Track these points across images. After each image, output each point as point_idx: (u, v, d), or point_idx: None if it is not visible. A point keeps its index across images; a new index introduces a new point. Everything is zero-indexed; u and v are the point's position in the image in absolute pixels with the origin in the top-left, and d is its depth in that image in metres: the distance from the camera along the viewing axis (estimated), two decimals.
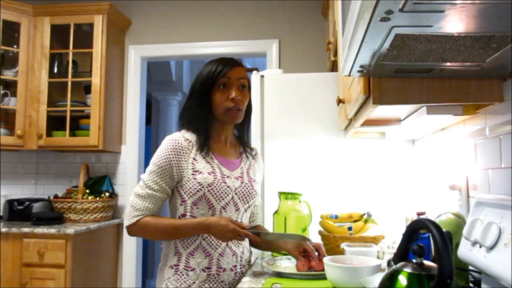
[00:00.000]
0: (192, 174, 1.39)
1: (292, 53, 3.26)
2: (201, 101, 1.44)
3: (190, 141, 1.43)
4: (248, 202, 1.48)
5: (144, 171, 1.46)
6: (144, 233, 1.44)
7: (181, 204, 1.42)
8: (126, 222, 1.42)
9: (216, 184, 1.39)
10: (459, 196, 1.40)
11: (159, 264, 1.50)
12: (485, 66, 0.96)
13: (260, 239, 1.38)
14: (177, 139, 1.42)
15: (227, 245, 1.43)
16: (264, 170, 1.69)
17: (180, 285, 1.38)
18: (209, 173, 1.40)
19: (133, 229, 1.41)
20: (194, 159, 1.41)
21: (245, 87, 1.46)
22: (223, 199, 1.41)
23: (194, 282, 1.38)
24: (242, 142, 1.58)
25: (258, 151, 1.65)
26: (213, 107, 1.44)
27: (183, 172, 1.39)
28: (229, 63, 1.45)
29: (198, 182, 1.38)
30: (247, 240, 1.54)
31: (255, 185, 1.52)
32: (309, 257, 1.42)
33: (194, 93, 1.46)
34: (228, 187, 1.42)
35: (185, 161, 1.40)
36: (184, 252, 1.40)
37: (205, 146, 1.43)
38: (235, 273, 1.45)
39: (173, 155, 1.39)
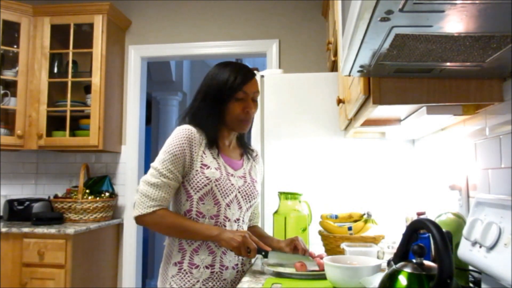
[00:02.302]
0: (201, 168, 1.40)
1: (292, 53, 3.26)
2: (214, 108, 1.45)
3: (201, 135, 1.44)
4: (250, 202, 1.50)
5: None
6: (156, 225, 1.41)
7: (187, 200, 1.42)
8: (139, 211, 1.37)
9: (222, 180, 1.41)
10: (459, 196, 1.40)
11: (159, 264, 1.50)
12: (485, 66, 0.96)
13: (268, 256, 1.39)
14: (191, 129, 1.42)
15: None
16: (263, 171, 1.70)
17: (184, 285, 1.38)
18: (216, 169, 1.42)
19: (147, 219, 1.38)
20: (203, 152, 1.42)
21: (256, 100, 1.50)
22: (228, 196, 1.42)
23: (198, 281, 1.39)
24: (243, 144, 1.59)
25: (258, 152, 1.67)
26: (225, 115, 1.45)
27: (193, 163, 1.40)
28: (247, 75, 1.45)
29: (206, 177, 1.39)
30: None
31: (257, 185, 1.55)
32: (312, 255, 1.46)
33: (207, 98, 1.46)
34: (232, 184, 1.44)
35: (196, 153, 1.41)
36: (189, 248, 1.41)
37: (213, 144, 1.45)
38: (237, 271, 1.46)
39: (187, 144, 1.40)
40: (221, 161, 1.46)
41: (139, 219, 1.39)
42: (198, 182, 1.39)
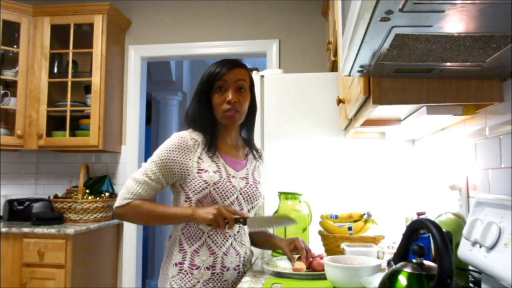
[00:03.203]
0: (198, 173, 1.40)
1: (292, 53, 3.26)
2: (201, 103, 1.46)
3: (196, 140, 1.44)
4: (252, 203, 1.49)
5: None
6: (132, 216, 1.44)
7: (186, 201, 1.42)
8: (116, 203, 1.42)
9: (222, 183, 1.40)
10: (459, 196, 1.40)
11: (159, 264, 1.50)
12: (485, 66, 0.96)
13: (247, 224, 1.37)
14: (184, 137, 1.43)
15: (231, 244, 1.44)
16: (267, 172, 1.69)
17: (185, 285, 1.38)
18: (214, 172, 1.41)
19: (121, 210, 1.41)
20: (199, 158, 1.42)
21: (243, 89, 1.47)
22: (228, 198, 1.42)
23: (198, 281, 1.38)
24: (249, 143, 1.58)
25: (263, 153, 1.66)
26: (213, 109, 1.46)
27: (188, 170, 1.40)
28: (227, 65, 1.45)
29: (204, 180, 1.39)
30: (248, 240, 1.54)
31: (260, 187, 1.53)
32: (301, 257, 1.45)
33: (195, 95, 1.49)
34: (233, 186, 1.43)
35: (190, 159, 1.41)
36: (189, 249, 1.41)
37: (212, 145, 1.44)
38: (238, 273, 1.46)
39: (177, 153, 1.40)
40: (221, 162, 1.45)
41: (116, 211, 1.43)
42: (196, 185, 1.39)
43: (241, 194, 1.45)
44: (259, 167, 1.59)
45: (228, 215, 1.31)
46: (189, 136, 1.44)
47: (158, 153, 1.43)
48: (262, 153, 1.65)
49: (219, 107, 1.44)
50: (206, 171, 1.40)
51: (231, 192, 1.42)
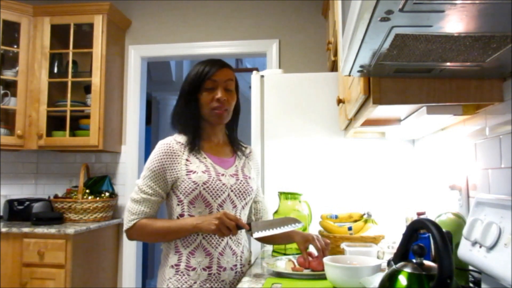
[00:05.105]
0: (187, 175, 1.41)
1: (292, 53, 3.26)
2: (189, 102, 1.47)
3: (182, 144, 1.45)
4: (244, 199, 1.50)
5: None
6: (141, 236, 1.46)
7: (178, 204, 1.43)
8: (124, 227, 1.44)
9: (211, 182, 1.41)
10: (459, 196, 1.40)
11: (159, 264, 1.51)
12: (485, 66, 0.96)
13: (251, 228, 1.38)
14: (169, 143, 1.45)
15: (227, 243, 1.44)
16: (259, 167, 1.70)
17: (182, 286, 1.38)
18: (203, 172, 1.41)
19: (131, 233, 1.43)
20: (187, 160, 1.43)
21: (231, 90, 1.49)
22: (219, 196, 1.42)
23: (195, 282, 1.39)
24: (233, 141, 1.59)
25: (252, 149, 1.67)
26: (200, 108, 1.47)
27: (177, 173, 1.41)
28: (216, 65, 1.47)
29: (193, 181, 1.39)
30: (246, 239, 1.55)
31: (251, 182, 1.53)
32: (311, 255, 1.45)
33: (182, 94, 1.50)
34: (223, 184, 1.43)
35: (178, 163, 1.42)
36: (185, 251, 1.41)
37: (194, 144, 1.45)
38: (235, 272, 1.45)
39: (165, 159, 1.42)
40: (208, 162, 1.45)
41: (127, 235, 1.45)
42: (186, 187, 1.40)
43: (232, 191, 1.45)
44: (249, 163, 1.59)
45: (230, 223, 1.31)
46: (174, 140, 1.46)
47: (148, 166, 1.44)
48: (251, 149, 1.66)
49: (208, 105, 1.45)
50: (195, 172, 1.41)
51: (221, 190, 1.42)
